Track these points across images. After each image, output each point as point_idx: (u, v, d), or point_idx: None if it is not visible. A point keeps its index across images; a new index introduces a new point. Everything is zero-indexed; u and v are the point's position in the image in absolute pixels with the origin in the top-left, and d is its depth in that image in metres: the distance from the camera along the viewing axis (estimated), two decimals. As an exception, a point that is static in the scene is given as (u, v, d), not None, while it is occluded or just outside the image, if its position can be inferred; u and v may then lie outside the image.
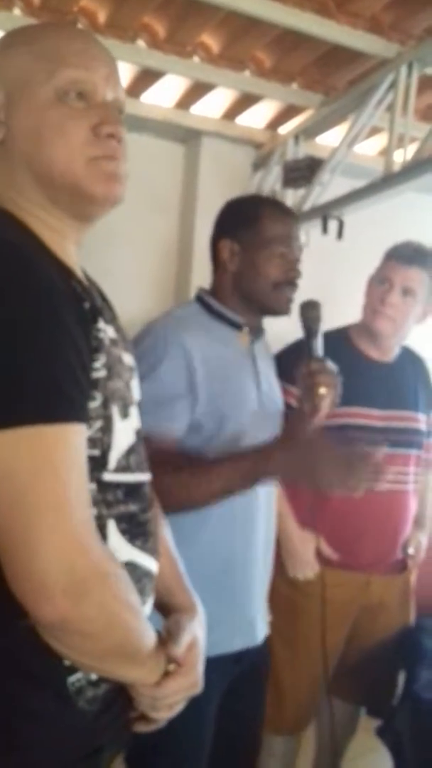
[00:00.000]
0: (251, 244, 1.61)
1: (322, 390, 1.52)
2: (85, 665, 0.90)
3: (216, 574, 1.53)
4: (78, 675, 0.91)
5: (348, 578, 2.13)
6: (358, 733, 2.37)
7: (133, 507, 0.97)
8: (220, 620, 1.50)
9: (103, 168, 0.95)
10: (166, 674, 0.95)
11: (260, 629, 1.66)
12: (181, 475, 1.40)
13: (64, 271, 0.93)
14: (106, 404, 0.92)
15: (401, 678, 2.26)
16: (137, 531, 0.98)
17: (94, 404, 0.90)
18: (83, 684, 0.92)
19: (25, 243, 0.92)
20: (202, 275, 1.78)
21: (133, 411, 1.00)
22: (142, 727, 1.02)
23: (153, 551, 1.01)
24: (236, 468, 1.42)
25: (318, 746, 2.36)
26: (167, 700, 0.97)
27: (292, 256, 1.63)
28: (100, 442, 0.92)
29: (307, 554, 2.09)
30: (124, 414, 0.96)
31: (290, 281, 1.62)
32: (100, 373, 0.91)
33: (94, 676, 0.92)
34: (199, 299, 1.67)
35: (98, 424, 0.91)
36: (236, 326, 1.64)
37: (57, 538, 0.79)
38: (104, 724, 0.96)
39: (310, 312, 1.60)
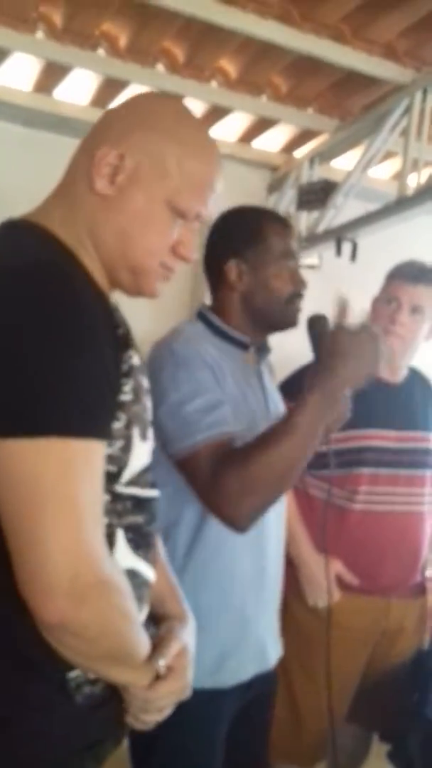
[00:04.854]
0: (260, 262, 1.58)
1: None
2: (79, 665, 0.95)
3: (229, 601, 1.50)
4: (77, 671, 0.96)
5: (367, 603, 2.08)
6: (369, 758, 2.34)
7: (140, 518, 1.03)
8: (236, 648, 1.51)
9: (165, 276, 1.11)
10: (158, 678, 1.01)
11: (271, 653, 1.62)
12: (268, 452, 1.35)
13: (102, 297, 1.00)
14: (128, 426, 0.98)
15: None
16: (142, 541, 1.04)
17: (118, 425, 0.96)
18: (82, 681, 0.97)
19: (71, 265, 0.99)
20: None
21: (150, 433, 1.05)
22: (137, 725, 1.07)
23: (152, 561, 1.08)
24: (313, 407, 1.36)
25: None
26: (157, 702, 1.03)
27: (295, 267, 1.62)
28: (119, 460, 0.98)
29: (326, 580, 1.96)
30: (144, 436, 1.02)
31: (300, 293, 1.60)
32: (126, 397, 0.97)
33: (91, 675, 0.97)
34: (203, 317, 1.62)
35: (119, 443, 0.97)
36: (242, 346, 1.61)
37: (67, 545, 0.85)
38: (101, 719, 1.01)
39: (319, 326, 1.54)
